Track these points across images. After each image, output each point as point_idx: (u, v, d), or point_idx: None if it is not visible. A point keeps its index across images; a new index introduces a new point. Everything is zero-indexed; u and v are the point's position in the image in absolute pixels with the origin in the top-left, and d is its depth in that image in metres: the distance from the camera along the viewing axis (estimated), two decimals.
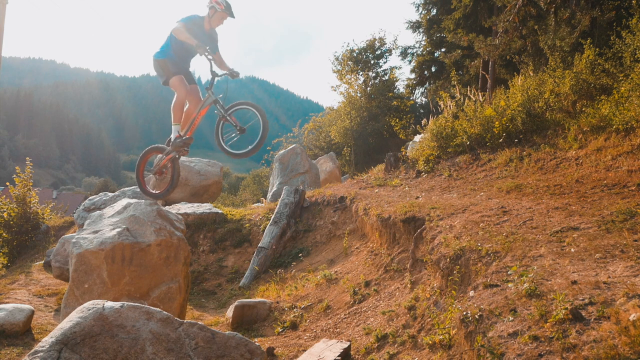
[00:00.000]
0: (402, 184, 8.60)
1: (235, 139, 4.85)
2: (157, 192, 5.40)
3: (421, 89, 19.84)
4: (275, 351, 4.60)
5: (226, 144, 4.84)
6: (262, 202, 13.64)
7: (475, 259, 3.72)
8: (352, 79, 20.48)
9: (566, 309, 2.42)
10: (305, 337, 5.10)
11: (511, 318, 2.64)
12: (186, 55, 5.10)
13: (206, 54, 4.73)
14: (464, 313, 3.00)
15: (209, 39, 5.05)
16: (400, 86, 21.39)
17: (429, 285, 4.52)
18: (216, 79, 5.00)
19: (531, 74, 8.88)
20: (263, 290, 7.05)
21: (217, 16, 4.89)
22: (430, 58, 18.26)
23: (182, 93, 4.90)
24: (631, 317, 2.11)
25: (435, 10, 17.44)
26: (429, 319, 4.01)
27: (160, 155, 5.29)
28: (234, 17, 4.90)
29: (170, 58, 5.00)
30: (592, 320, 2.32)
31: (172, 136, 5.01)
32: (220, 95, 5.00)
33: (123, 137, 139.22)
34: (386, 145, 18.24)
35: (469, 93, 9.26)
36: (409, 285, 5.02)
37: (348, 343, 4.37)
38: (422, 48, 18.97)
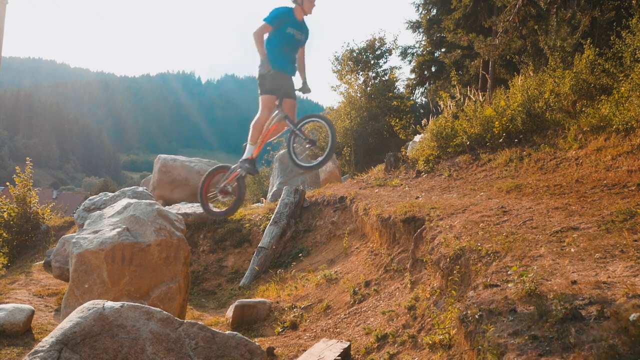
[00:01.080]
0: (402, 184, 8.60)
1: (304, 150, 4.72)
2: (219, 210, 5.04)
3: (421, 89, 19.83)
4: (275, 351, 4.60)
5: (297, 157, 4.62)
6: (262, 202, 13.64)
7: (475, 259, 3.72)
8: (352, 79, 20.46)
9: (566, 308, 2.41)
10: (305, 337, 5.10)
11: (511, 318, 2.64)
12: (291, 51, 4.63)
13: (269, 74, 4.45)
14: (464, 313, 3.00)
15: (301, 31, 4.64)
16: (400, 86, 21.38)
17: (429, 285, 4.52)
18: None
19: (531, 74, 8.88)
20: (263, 290, 7.06)
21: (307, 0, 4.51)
22: (430, 58, 18.25)
23: (264, 114, 4.57)
24: (631, 317, 2.11)
25: (435, 10, 17.42)
26: (429, 319, 4.01)
27: (225, 174, 4.95)
28: None
29: (274, 70, 4.53)
30: (592, 320, 2.32)
31: (244, 156, 4.68)
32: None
33: (123, 137, 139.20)
34: (386, 145, 18.22)
35: (469, 93, 9.26)
36: (409, 285, 5.02)
37: (348, 343, 4.38)
38: (422, 48, 18.95)
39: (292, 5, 4.55)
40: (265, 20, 4.41)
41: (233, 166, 4.79)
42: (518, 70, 10.62)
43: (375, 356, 4.11)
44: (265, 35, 4.55)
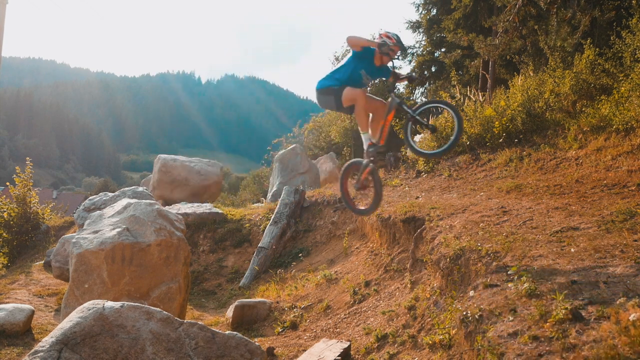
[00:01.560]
0: (402, 184, 8.61)
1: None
2: (363, 207, 4.81)
3: (421, 89, 19.81)
4: (275, 351, 4.60)
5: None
6: (262, 202, 13.64)
7: (475, 259, 3.72)
8: None
9: (566, 309, 2.41)
10: (305, 337, 5.10)
11: (511, 318, 2.64)
12: (358, 84, 4.49)
13: (390, 52, 4.22)
14: (464, 313, 3.00)
15: (371, 77, 4.55)
16: (400, 86, 21.37)
17: (429, 285, 4.52)
18: (398, 82, 4.57)
19: (531, 74, 8.87)
20: (263, 290, 7.06)
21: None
22: (430, 58, 18.21)
23: (360, 99, 4.33)
24: (631, 317, 2.11)
25: (435, 10, 17.40)
26: (429, 319, 4.01)
27: (359, 170, 4.75)
28: (406, 50, 4.49)
29: (334, 84, 4.45)
30: (592, 320, 2.32)
31: (365, 146, 4.53)
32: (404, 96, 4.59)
33: (123, 137, 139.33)
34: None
35: (469, 93, 9.25)
36: (409, 285, 5.02)
37: (348, 343, 4.38)
38: (422, 48, 18.92)
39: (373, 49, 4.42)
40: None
41: (364, 161, 4.61)
42: (518, 70, 10.62)
43: (375, 356, 4.11)
44: (345, 58, 4.49)
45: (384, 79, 4.62)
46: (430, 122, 4.21)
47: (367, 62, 4.36)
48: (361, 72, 4.37)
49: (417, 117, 4.20)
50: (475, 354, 2.68)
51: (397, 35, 4.31)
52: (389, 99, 4.37)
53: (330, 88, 4.44)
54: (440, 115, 9.60)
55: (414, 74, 4.66)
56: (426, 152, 4.28)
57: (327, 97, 4.48)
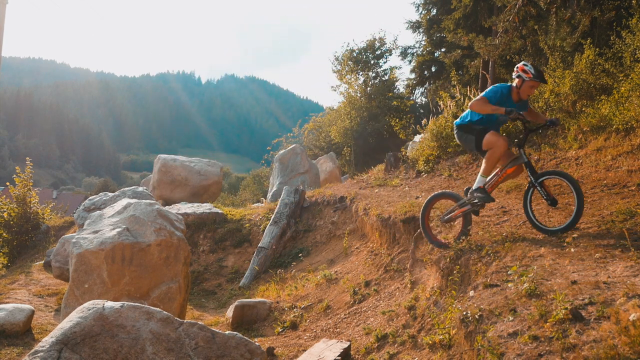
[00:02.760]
0: (402, 184, 8.61)
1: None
2: (443, 241, 4.67)
3: (421, 89, 19.82)
4: (275, 351, 4.60)
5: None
6: (262, 202, 13.65)
7: (475, 259, 3.72)
8: (352, 79, 20.48)
9: (566, 309, 2.41)
10: (305, 337, 5.10)
11: (511, 318, 2.64)
12: (496, 124, 4.45)
13: (520, 118, 4.10)
14: (464, 313, 3.01)
15: (520, 108, 4.39)
16: (400, 86, 21.38)
17: (429, 285, 4.52)
18: (530, 134, 4.37)
19: None
20: (263, 290, 7.06)
21: (527, 85, 4.21)
22: (430, 58, 18.23)
23: (500, 147, 4.18)
24: (631, 317, 2.11)
25: (435, 10, 17.41)
26: (429, 319, 4.01)
27: (453, 205, 4.58)
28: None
29: (475, 121, 4.40)
30: (592, 320, 2.32)
31: (475, 186, 4.31)
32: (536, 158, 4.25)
33: (123, 137, 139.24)
34: (386, 145, 18.22)
35: (469, 93, 9.25)
36: (409, 285, 5.02)
37: (348, 343, 4.38)
38: (422, 48, 18.94)
39: (513, 83, 4.32)
40: (484, 95, 4.26)
41: (461, 200, 4.43)
42: None
43: (375, 356, 4.11)
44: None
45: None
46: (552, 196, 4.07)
47: (501, 104, 4.25)
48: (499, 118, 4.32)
49: (537, 186, 4.07)
50: (475, 354, 2.68)
51: (535, 69, 4.17)
52: (517, 154, 4.22)
53: (473, 127, 4.36)
54: (440, 115, 9.60)
55: (556, 119, 4.44)
56: (549, 228, 4.00)
57: (467, 135, 4.41)
